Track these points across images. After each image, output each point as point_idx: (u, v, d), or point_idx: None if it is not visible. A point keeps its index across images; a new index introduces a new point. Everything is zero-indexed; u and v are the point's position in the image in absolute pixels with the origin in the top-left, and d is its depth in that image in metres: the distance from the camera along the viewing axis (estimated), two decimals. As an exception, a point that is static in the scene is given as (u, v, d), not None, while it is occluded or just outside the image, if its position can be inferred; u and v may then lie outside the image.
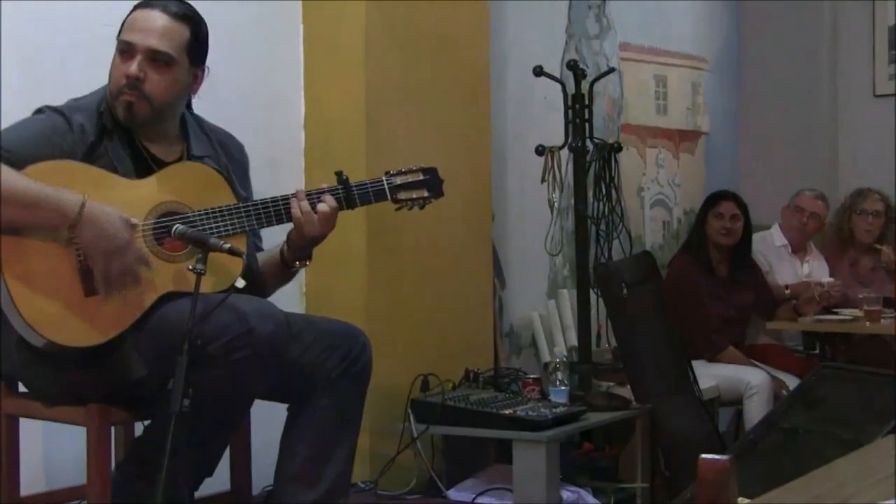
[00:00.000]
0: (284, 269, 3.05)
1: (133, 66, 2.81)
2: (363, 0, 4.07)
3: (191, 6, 2.94)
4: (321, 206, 2.91)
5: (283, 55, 4.15)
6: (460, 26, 4.45)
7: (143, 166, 2.87)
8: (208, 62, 2.97)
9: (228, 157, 3.05)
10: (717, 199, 5.45)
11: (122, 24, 2.89)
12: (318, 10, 4.16)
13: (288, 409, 3.01)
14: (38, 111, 2.85)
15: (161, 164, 2.90)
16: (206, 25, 2.94)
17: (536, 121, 5.06)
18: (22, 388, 2.95)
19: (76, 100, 2.90)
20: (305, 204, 2.91)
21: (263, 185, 3.26)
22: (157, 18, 2.84)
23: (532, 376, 4.25)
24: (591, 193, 4.59)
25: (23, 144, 2.72)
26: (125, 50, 2.84)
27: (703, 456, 1.63)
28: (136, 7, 2.90)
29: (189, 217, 2.80)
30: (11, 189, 2.62)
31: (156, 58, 2.83)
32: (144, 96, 2.82)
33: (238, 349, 2.63)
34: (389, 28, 4.17)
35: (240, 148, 3.14)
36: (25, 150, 2.71)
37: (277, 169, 4.02)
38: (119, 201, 2.74)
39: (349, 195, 2.97)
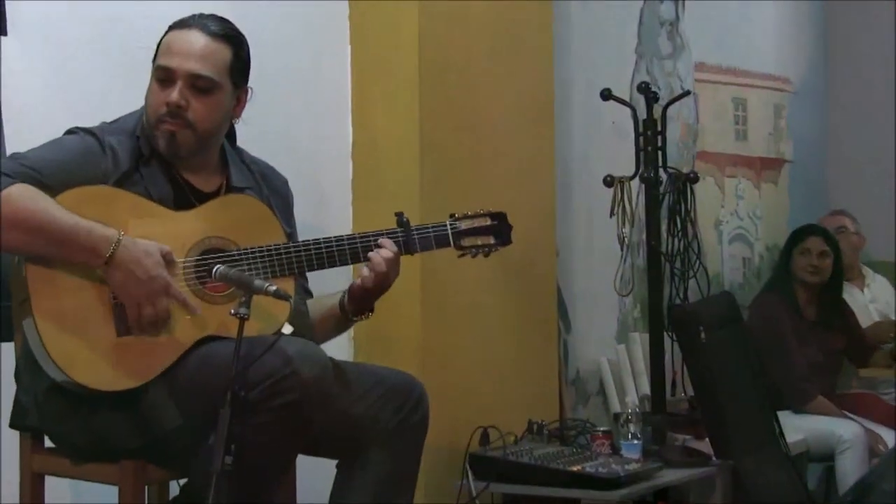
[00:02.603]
0: (343, 321, 3.06)
1: (174, 94, 2.81)
2: (416, 18, 4.07)
3: (230, 23, 2.94)
4: (384, 253, 2.91)
5: (328, 77, 4.16)
6: (522, 47, 4.45)
7: (181, 196, 2.88)
8: (250, 85, 2.98)
9: (271, 191, 3.06)
10: (803, 234, 5.41)
11: (158, 47, 2.90)
12: (367, 28, 4.16)
13: (338, 465, 3.00)
14: (70, 132, 2.87)
15: (199, 195, 2.91)
16: (247, 44, 2.95)
17: (604, 149, 5.05)
18: (48, 444, 2.94)
19: (109, 123, 2.91)
20: (371, 255, 2.91)
21: (307, 219, 3.27)
22: (196, 39, 2.85)
23: (601, 429, 4.21)
24: (664, 228, 4.56)
25: (54, 166, 2.73)
26: (164, 77, 2.84)
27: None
28: (172, 27, 2.91)
29: (233, 255, 2.80)
30: (41, 221, 2.63)
31: (197, 83, 2.83)
32: (188, 124, 2.83)
33: (281, 393, 2.61)
34: (445, 49, 4.16)
35: (283, 181, 3.15)
36: (56, 172, 2.72)
37: (322, 201, 4.03)
38: (160, 234, 2.75)
39: (409, 240, 2.97)
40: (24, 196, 2.64)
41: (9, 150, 3.13)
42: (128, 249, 2.67)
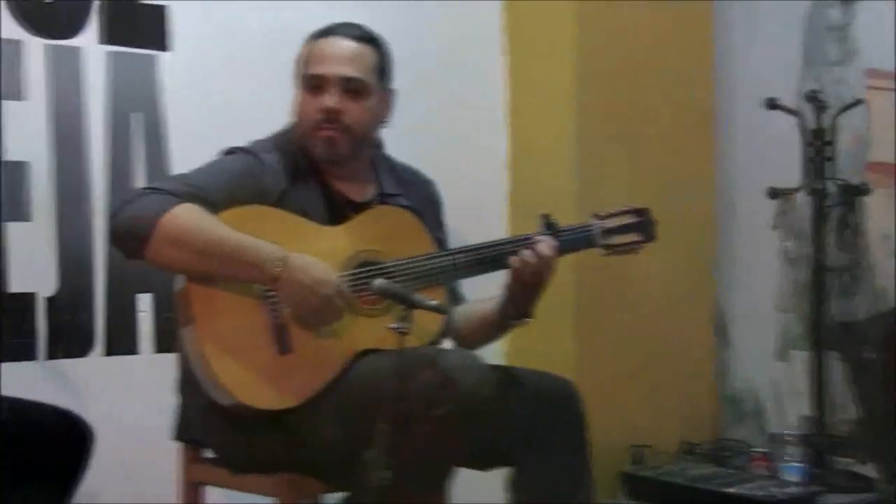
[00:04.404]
0: (499, 326, 3.09)
1: (330, 98, 2.92)
2: (573, 26, 4.12)
3: (368, 28, 3.03)
4: (542, 248, 2.94)
5: (483, 89, 4.23)
6: (682, 54, 4.47)
7: (336, 209, 2.97)
8: (401, 94, 3.08)
9: (419, 196, 3.14)
10: None
11: (301, 59, 3.00)
12: (523, 39, 4.22)
13: (509, 475, 2.99)
14: (229, 151, 2.97)
15: (354, 205, 2.99)
16: (388, 45, 3.04)
17: (768, 159, 5.02)
18: (209, 454, 3.05)
19: (257, 142, 3.00)
20: (525, 251, 2.93)
21: (463, 231, 3.32)
22: (344, 45, 2.96)
23: (759, 450, 4.21)
24: (830, 241, 4.53)
25: (217, 186, 2.82)
26: (316, 84, 2.95)
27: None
28: (312, 38, 3.01)
29: (386, 267, 2.88)
30: (208, 239, 2.71)
31: (350, 86, 2.93)
32: (345, 128, 2.93)
33: (439, 405, 2.64)
34: (602, 57, 4.20)
35: (431, 185, 3.23)
36: (220, 192, 2.81)
37: (478, 213, 4.08)
38: (314, 251, 2.81)
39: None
40: (191, 215, 2.72)
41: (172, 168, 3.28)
42: (294, 263, 2.73)
